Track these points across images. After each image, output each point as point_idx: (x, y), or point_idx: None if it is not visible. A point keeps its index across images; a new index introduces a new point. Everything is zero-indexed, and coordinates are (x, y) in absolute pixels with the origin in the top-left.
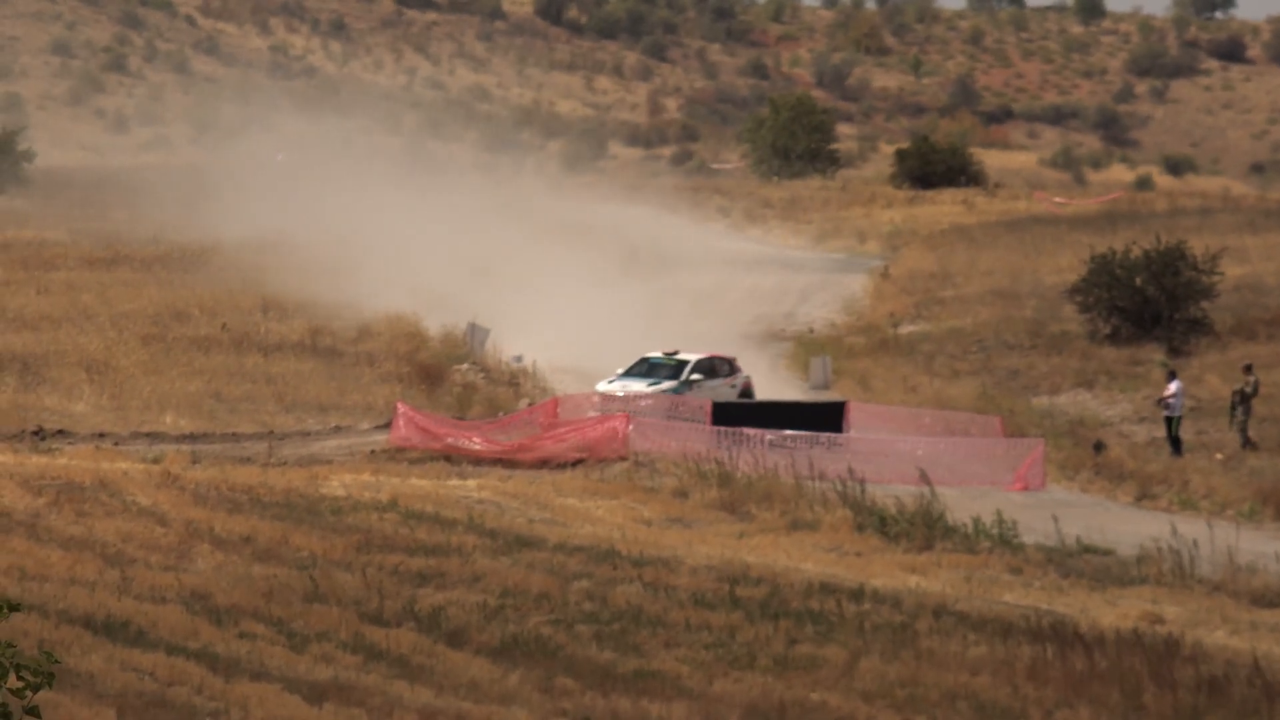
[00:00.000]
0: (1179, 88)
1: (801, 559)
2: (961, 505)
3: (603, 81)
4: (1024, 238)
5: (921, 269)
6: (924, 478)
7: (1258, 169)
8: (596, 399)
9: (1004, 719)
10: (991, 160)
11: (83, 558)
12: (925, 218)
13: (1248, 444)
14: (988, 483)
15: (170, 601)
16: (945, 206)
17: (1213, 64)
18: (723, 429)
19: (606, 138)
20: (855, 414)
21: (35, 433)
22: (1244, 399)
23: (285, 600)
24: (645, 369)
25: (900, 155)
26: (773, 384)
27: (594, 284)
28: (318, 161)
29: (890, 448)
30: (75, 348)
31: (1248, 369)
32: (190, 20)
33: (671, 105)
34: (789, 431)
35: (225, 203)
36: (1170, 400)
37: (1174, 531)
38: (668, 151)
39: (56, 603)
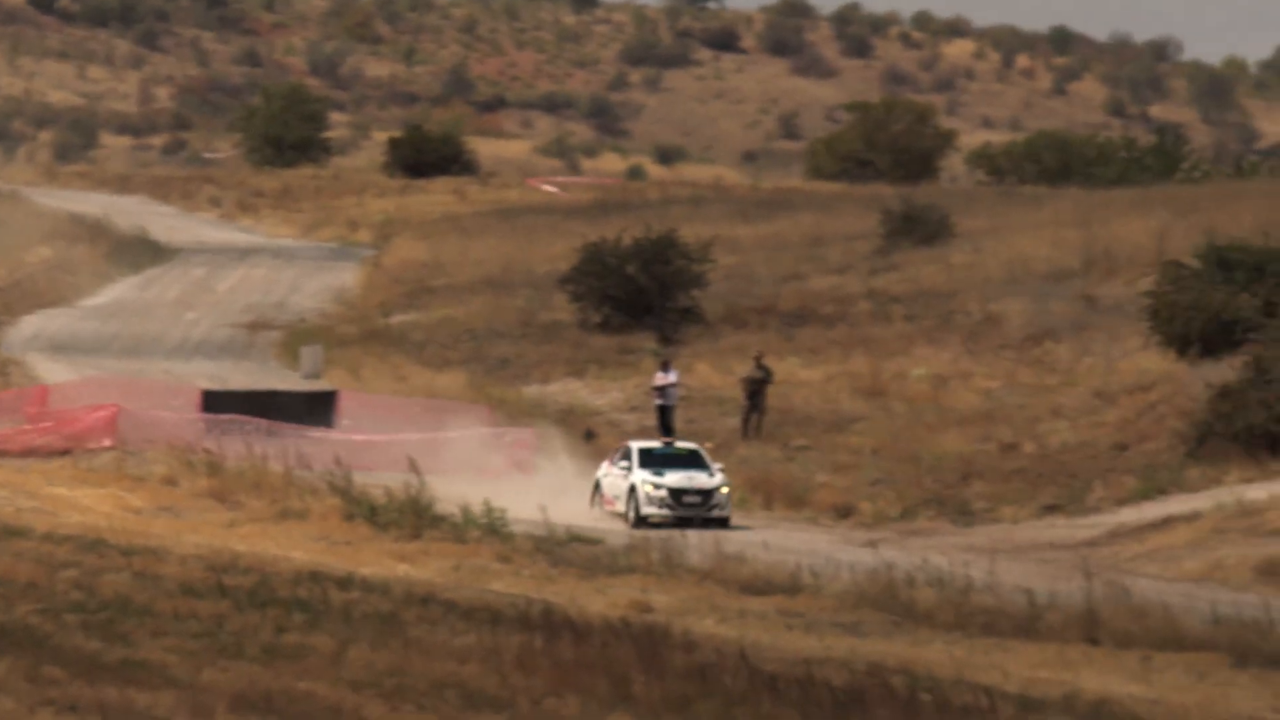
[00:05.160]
0: (672, 77)
1: (290, 548)
2: (452, 494)
3: (95, 70)
4: (516, 226)
5: (413, 258)
6: (414, 466)
7: (750, 158)
8: None
9: (492, 708)
10: (485, 149)
11: None
12: (417, 207)
13: (747, 433)
14: (477, 471)
15: None
16: (437, 195)
17: (706, 54)
18: (212, 417)
19: (98, 127)
20: (346, 402)
21: None
22: (758, 387)
23: None
24: None
25: (393, 144)
26: (265, 374)
27: (87, 275)
28: None
29: (382, 437)
30: None
31: (759, 358)
32: None
33: (164, 94)
34: (282, 423)
35: None
36: (665, 388)
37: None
38: (159, 140)
39: None
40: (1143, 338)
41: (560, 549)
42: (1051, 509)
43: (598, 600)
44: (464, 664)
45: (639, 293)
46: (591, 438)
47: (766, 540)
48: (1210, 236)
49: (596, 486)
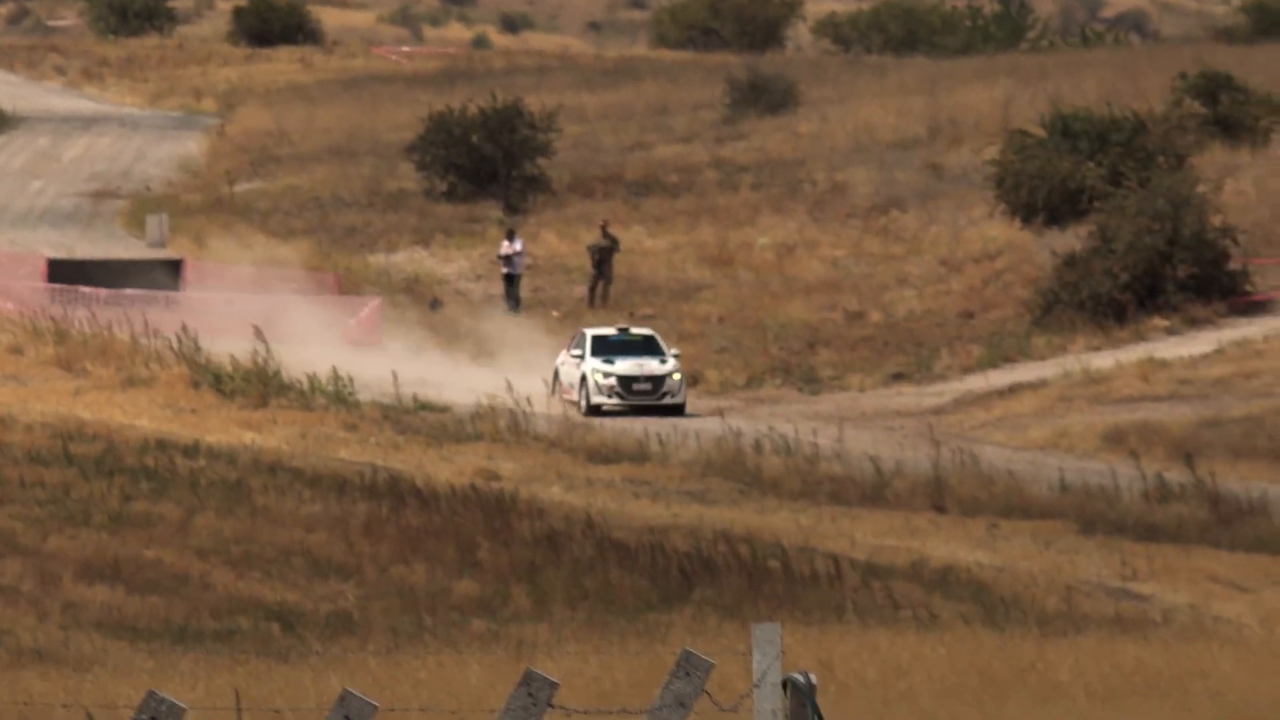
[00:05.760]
0: None
1: (137, 415)
2: (298, 362)
3: None
4: (361, 95)
5: (258, 127)
6: (259, 334)
7: (595, 27)
8: None
9: (339, 575)
10: (329, 18)
11: None
12: (262, 75)
13: (593, 302)
14: (324, 339)
15: None
16: (282, 64)
17: None
18: (58, 286)
19: None
20: (192, 272)
21: None
22: (604, 255)
23: None
24: None
25: (238, 13)
26: (111, 243)
27: None
28: None
29: (228, 304)
30: None
31: (605, 227)
32: None
33: None
34: (127, 290)
35: None
36: (511, 257)
37: (510, 388)
38: (3, 9)
39: None
40: (988, 206)
41: (408, 417)
42: (898, 377)
43: (445, 468)
44: (311, 532)
45: (485, 162)
46: (437, 306)
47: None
48: (1055, 105)
49: (555, 375)
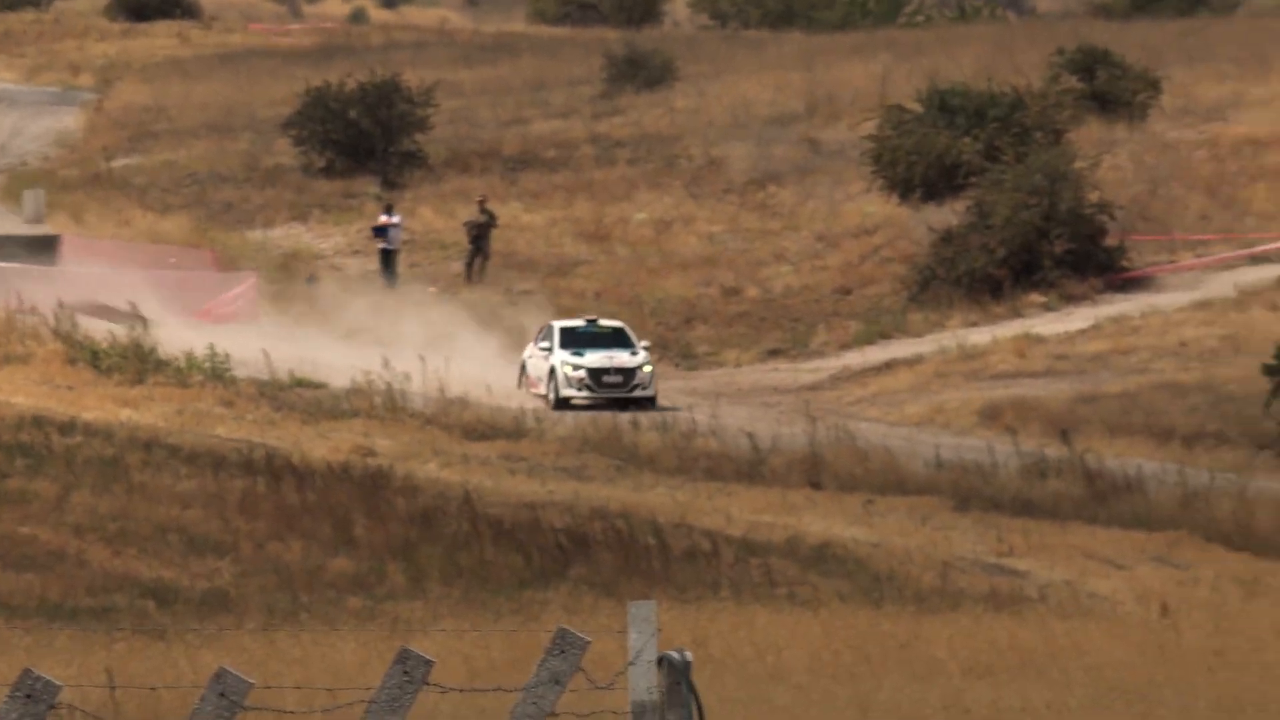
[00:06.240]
0: None
1: (12, 392)
2: (175, 338)
3: None
4: (239, 71)
5: (135, 102)
6: (136, 310)
7: (472, 2)
8: None
9: (215, 552)
10: None
11: None
12: (140, 50)
13: (471, 277)
14: (200, 315)
15: None
16: (160, 39)
17: None
18: None
19: None
20: (68, 247)
21: None
22: (481, 231)
23: None
24: None
25: None
26: None
27: None
28: None
29: (104, 280)
30: None
31: (482, 202)
32: None
33: None
34: (3, 267)
35: None
36: (388, 230)
37: (386, 364)
38: None
39: None
40: (865, 182)
41: (284, 393)
42: (774, 353)
43: (321, 444)
44: (187, 508)
45: (362, 137)
46: (313, 282)
47: (491, 385)
48: (932, 81)
49: (522, 368)
